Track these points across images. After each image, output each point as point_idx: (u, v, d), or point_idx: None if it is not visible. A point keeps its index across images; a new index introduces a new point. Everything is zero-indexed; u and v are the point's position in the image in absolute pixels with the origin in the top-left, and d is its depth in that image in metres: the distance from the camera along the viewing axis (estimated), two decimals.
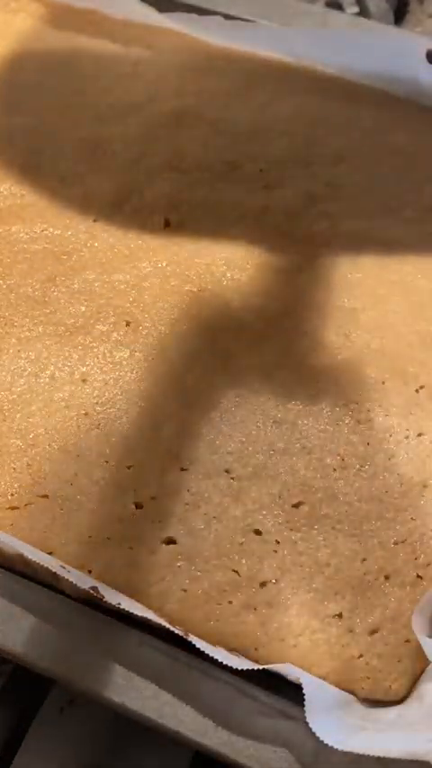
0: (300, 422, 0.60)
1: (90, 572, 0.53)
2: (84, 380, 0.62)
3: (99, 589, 0.51)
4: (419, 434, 0.60)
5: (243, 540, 0.54)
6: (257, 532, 0.55)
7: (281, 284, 0.68)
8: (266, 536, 0.55)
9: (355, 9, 1.08)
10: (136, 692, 0.49)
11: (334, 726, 0.46)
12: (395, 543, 0.55)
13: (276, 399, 0.61)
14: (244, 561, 0.54)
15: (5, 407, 0.60)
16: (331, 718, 0.46)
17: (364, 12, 1.08)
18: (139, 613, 0.50)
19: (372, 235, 0.71)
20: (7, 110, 0.79)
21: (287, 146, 0.78)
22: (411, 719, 0.47)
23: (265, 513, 0.56)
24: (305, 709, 0.46)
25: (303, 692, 0.46)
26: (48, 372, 0.62)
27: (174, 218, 0.71)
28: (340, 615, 0.52)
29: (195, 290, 0.67)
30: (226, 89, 0.85)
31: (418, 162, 0.78)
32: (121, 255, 0.69)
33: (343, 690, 0.50)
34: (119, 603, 0.50)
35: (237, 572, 0.53)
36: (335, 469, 0.58)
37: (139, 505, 0.56)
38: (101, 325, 0.65)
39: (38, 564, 0.51)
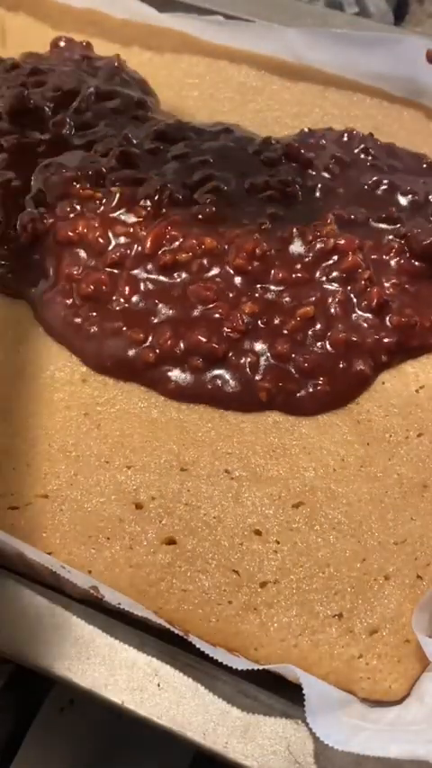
0: (299, 423, 0.60)
1: (90, 572, 0.53)
2: (84, 380, 0.62)
3: (99, 589, 0.51)
4: (419, 434, 0.60)
5: (243, 540, 0.54)
6: (257, 533, 0.55)
7: None
8: (266, 536, 0.55)
9: (355, 9, 1.08)
10: (135, 692, 0.49)
11: (334, 726, 0.46)
12: (395, 543, 0.55)
13: None
14: (244, 561, 0.54)
15: (6, 407, 0.60)
16: (331, 718, 0.46)
17: (364, 12, 1.08)
18: (140, 613, 0.50)
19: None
20: None
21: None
22: (411, 720, 0.47)
23: (265, 513, 0.56)
24: (305, 709, 0.46)
25: (303, 692, 0.46)
26: (48, 372, 0.62)
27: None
28: (340, 615, 0.52)
29: None
30: (227, 89, 0.85)
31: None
32: None
33: (343, 690, 0.50)
34: (119, 603, 0.50)
35: (237, 572, 0.53)
36: (335, 470, 0.58)
37: (139, 506, 0.56)
38: None
39: (38, 564, 0.51)
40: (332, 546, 0.54)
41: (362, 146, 0.75)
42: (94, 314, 0.63)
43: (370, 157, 0.74)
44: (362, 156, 0.74)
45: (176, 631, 0.50)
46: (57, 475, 0.57)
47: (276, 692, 0.49)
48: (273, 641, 0.51)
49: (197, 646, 0.49)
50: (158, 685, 0.49)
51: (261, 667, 0.49)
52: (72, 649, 0.50)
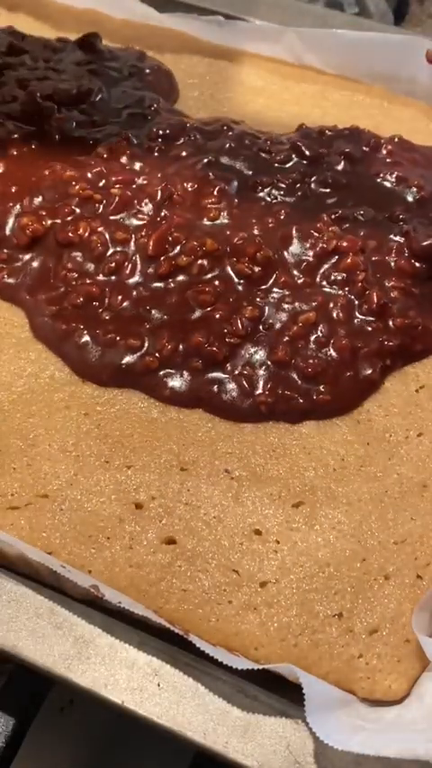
0: (299, 422, 0.60)
1: (90, 572, 0.53)
2: (84, 380, 0.62)
3: (99, 587, 0.51)
4: (419, 434, 0.60)
5: (243, 540, 0.54)
6: (257, 532, 0.55)
7: None
8: (266, 536, 0.55)
9: (355, 9, 1.08)
10: (135, 692, 0.49)
11: (334, 726, 0.46)
12: (395, 543, 0.55)
13: None
14: (244, 561, 0.54)
15: (5, 407, 0.60)
16: (331, 717, 0.46)
17: (364, 12, 1.08)
18: (140, 612, 0.50)
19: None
20: None
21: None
22: (411, 719, 0.47)
23: (265, 513, 0.56)
24: (305, 709, 0.46)
25: (303, 691, 0.46)
26: (48, 372, 0.62)
27: None
28: (340, 615, 0.52)
29: None
30: (227, 89, 0.85)
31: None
32: None
33: (343, 690, 0.50)
34: (119, 603, 0.50)
35: (237, 572, 0.53)
36: (335, 469, 0.58)
37: (139, 505, 0.56)
38: None
39: (39, 564, 0.51)
40: (332, 546, 0.54)
41: (372, 140, 0.75)
42: (82, 326, 0.63)
43: (385, 152, 0.74)
44: (374, 151, 0.74)
45: (176, 631, 0.50)
46: (57, 475, 0.57)
47: (276, 692, 0.49)
48: (273, 641, 0.51)
49: (197, 645, 0.49)
50: (158, 685, 0.49)
51: (261, 667, 0.49)
52: (72, 649, 0.50)
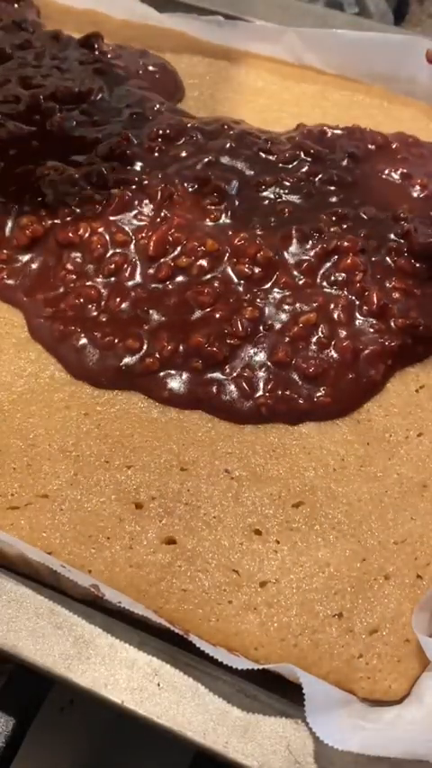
0: (299, 423, 0.60)
1: (90, 572, 0.53)
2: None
3: (99, 587, 0.51)
4: (419, 434, 0.60)
5: (243, 540, 0.55)
6: (257, 532, 0.55)
7: None
8: (266, 536, 0.55)
9: (355, 9, 1.08)
10: (135, 692, 0.49)
11: (334, 725, 0.46)
12: (395, 543, 0.55)
13: None
14: (244, 561, 0.54)
15: (5, 407, 0.60)
16: (331, 717, 0.46)
17: (364, 12, 1.08)
18: (140, 612, 0.50)
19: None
20: None
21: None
22: (411, 719, 0.47)
23: (265, 513, 0.56)
24: (305, 709, 0.46)
25: (303, 691, 0.46)
26: (48, 372, 0.62)
27: None
28: (340, 615, 0.52)
29: None
30: (227, 89, 0.85)
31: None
32: None
33: (343, 689, 0.50)
34: (119, 602, 0.50)
35: (237, 572, 0.53)
36: (335, 469, 0.58)
37: (139, 505, 0.56)
38: None
39: (39, 563, 0.51)
40: (332, 546, 0.54)
41: (378, 137, 0.74)
42: (80, 329, 0.62)
43: (393, 147, 0.74)
44: (380, 148, 0.74)
45: (176, 631, 0.50)
46: (57, 475, 0.57)
47: (276, 692, 0.49)
48: (273, 641, 0.51)
49: (197, 645, 0.49)
50: (158, 685, 0.49)
51: (261, 667, 0.49)
52: (72, 649, 0.50)
